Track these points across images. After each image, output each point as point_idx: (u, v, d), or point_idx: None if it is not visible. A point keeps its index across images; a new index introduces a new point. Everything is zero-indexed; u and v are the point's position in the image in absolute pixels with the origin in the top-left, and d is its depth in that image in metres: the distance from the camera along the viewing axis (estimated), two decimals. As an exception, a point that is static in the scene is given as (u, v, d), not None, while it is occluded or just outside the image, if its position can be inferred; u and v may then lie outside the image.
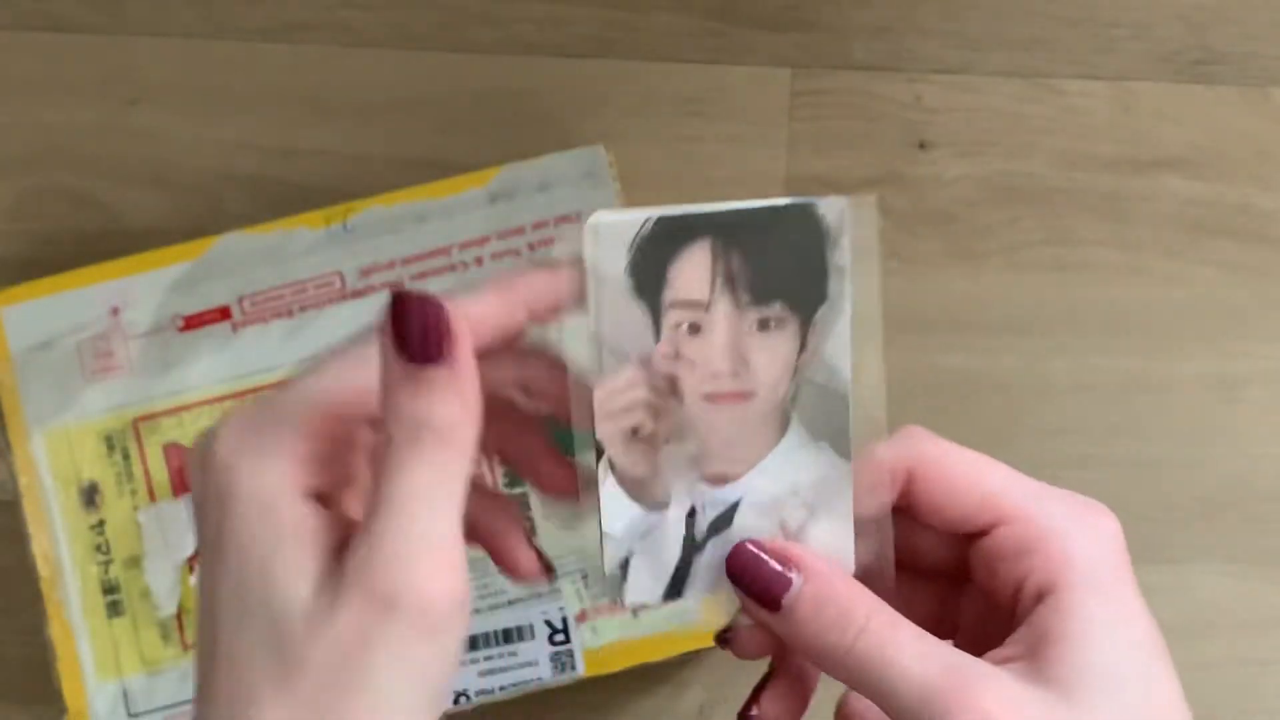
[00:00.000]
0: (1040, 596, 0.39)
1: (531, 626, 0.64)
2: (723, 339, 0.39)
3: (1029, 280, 0.69)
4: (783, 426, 0.40)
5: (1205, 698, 0.66)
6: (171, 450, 0.65)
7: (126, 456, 0.65)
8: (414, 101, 0.70)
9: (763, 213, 0.39)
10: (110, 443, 0.65)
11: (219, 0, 0.71)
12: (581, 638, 0.64)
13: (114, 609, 0.64)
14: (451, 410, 0.37)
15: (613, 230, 0.39)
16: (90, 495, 0.65)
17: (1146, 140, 0.69)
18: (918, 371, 0.68)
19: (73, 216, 0.70)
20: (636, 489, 0.40)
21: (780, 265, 0.39)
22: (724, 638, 0.43)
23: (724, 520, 0.40)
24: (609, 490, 0.40)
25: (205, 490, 0.38)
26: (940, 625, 0.42)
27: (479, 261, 0.66)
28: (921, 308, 0.69)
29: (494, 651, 0.64)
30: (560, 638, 0.64)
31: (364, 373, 0.37)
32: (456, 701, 0.64)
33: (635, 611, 0.64)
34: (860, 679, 0.38)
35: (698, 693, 0.67)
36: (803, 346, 0.40)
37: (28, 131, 0.71)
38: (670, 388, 0.40)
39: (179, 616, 0.64)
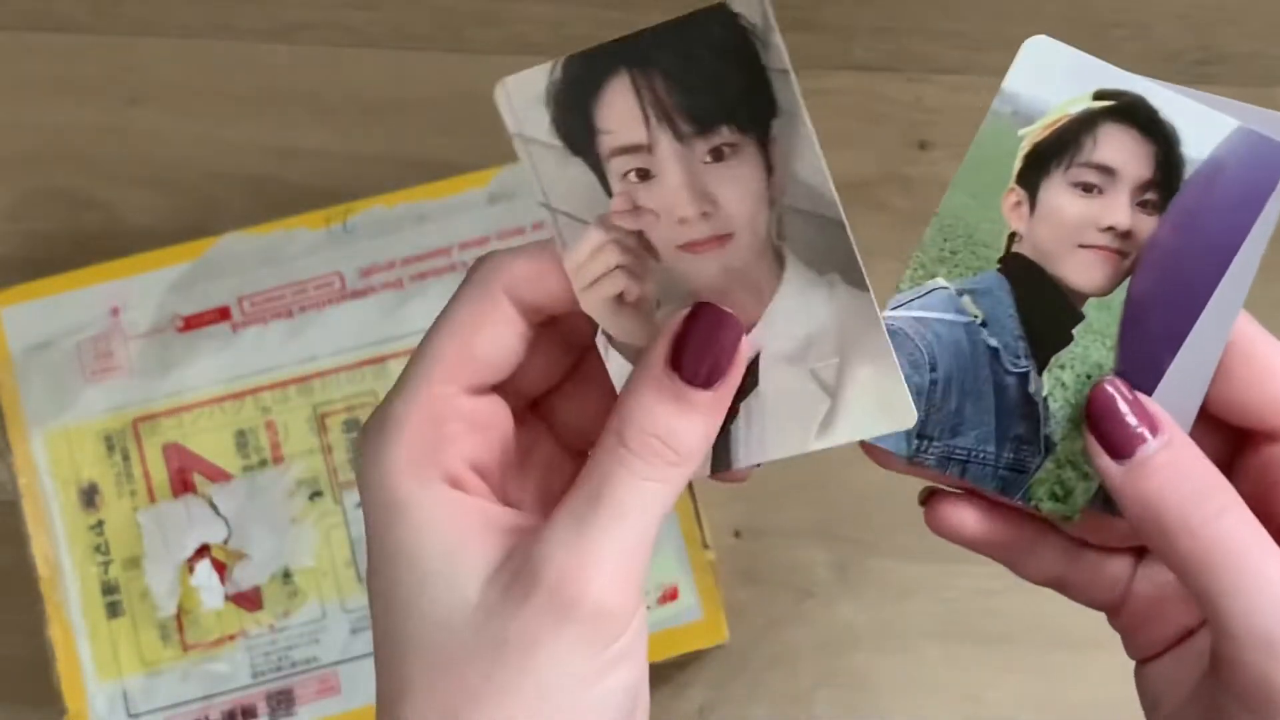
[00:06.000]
0: None
1: (531, 627, 0.64)
2: (677, 180, 0.35)
3: (1029, 280, 0.69)
4: (779, 265, 0.36)
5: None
6: (171, 450, 0.65)
7: (126, 457, 0.65)
8: (414, 101, 0.70)
9: (673, 28, 0.35)
10: (110, 443, 0.65)
11: (219, 0, 0.71)
12: (581, 638, 0.64)
13: (114, 610, 0.64)
14: (700, 438, 0.35)
15: (523, 86, 0.36)
16: (90, 496, 0.65)
17: (1147, 140, 0.69)
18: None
19: (73, 216, 0.70)
20: None
21: (713, 82, 0.35)
22: (924, 499, 0.40)
23: (748, 381, 0.36)
24: (615, 366, 0.37)
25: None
26: None
27: (479, 262, 0.66)
28: (922, 308, 0.69)
29: (494, 652, 0.64)
30: (560, 638, 0.64)
31: (470, 342, 0.36)
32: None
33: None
34: (1201, 560, 0.35)
35: (698, 693, 0.67)
36: (769, 169, 0.35)
37: (28, 131, 0.71)
38: (643, 245, 0.36)
39: (178, 617, 0.64)
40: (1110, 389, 0.36)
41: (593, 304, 0.37)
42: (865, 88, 0.70)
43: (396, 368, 0.65)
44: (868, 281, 0.35)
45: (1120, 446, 0.36)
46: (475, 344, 0.36)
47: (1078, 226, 0.37)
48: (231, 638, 0.64)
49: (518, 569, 0.34)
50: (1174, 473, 0.36)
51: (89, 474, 0.65)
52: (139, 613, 0.64)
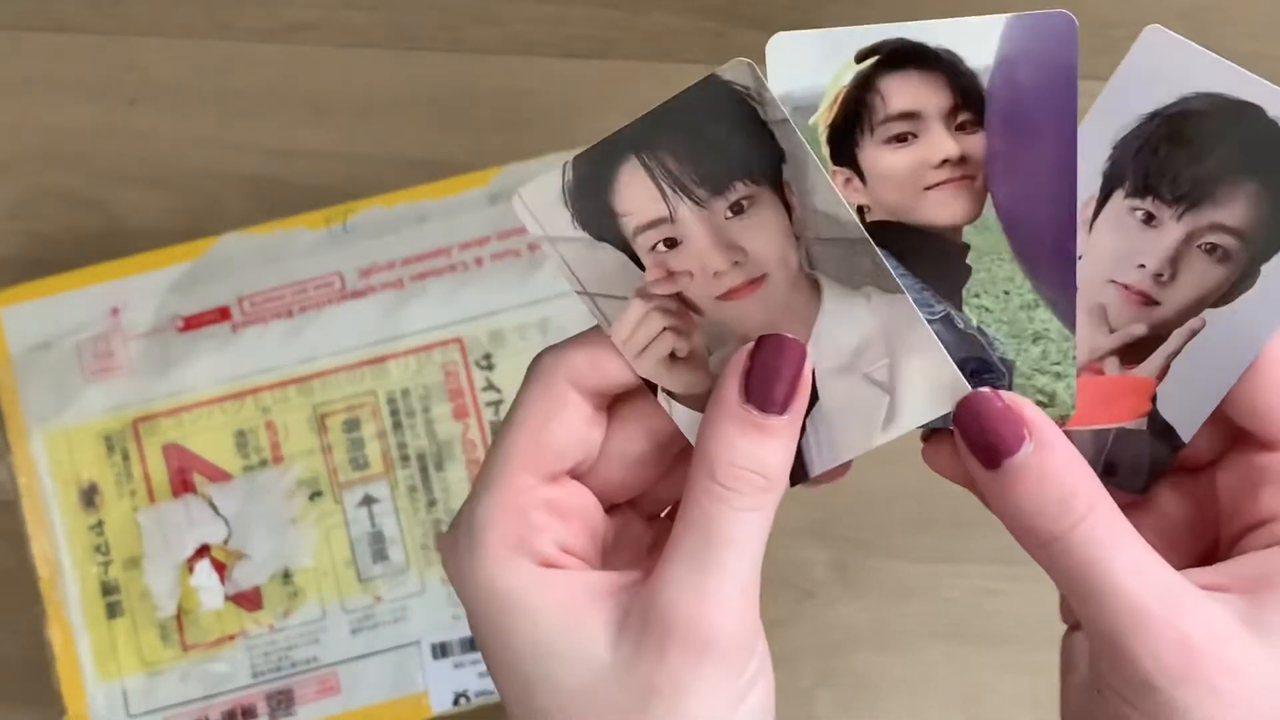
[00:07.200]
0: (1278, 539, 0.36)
1: (531, 627, 0.64)
2: (703, 239, 0.38)
3: (1029, 280, 0.69)
4: (816, 292, 0.38)
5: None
6: (171, 451, 0.65)
7: (126, 457, 0.65)
8: (414, 101, 0.70)
9: (669, 107, 0.37)
10: (110, 443, 0.65)
11: (219, 0, 0.71)
12: (581, 638, 0.64)
13: (113, 610, 0.64)
14: (783, 460, 0.37)
15: (538, 192, 0.39)
16: (90, 496, 0.65)
17: (1147, 140, 0.69)
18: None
19: (73, 216, 0.70)
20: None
21: (718, 146, 0.37)
22: (926, 436, 0.40)
23: (810, 399, 0.38)
24: (681, 417, 0.39)
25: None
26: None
27: (479, 261, 0.66)
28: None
29: (494, 652, 0.64)
30: (560, 638, 0.64)
31: (541, 434, 0.38)
32: (456, 702, 0.64)
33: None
34: (1062, 571, 0.36)
35: (698, 693, 0.67)
36: (789, 210, 0.38)
37: (28, 131, 0.71)
38: (684, 304, 0.39)
39: (178, 617, 0.64)
40: (975, 400, 0.37)
41: (648, 368, 0.39)
42: (865, 88, 0.70)
43: (396, 367, 0.65)
44: (900, 284, 0.38)
45: (988, 458, 0.36)
46: (547, 435, 0.38)
47: (914, 174, 0.38)
48: (231, 638, 0.64)
49: (644, 621, 0.36)
50: (1036, 482, 0.36)
51: (89, 474, 0.65)
52: (139, 613, 0.64)
